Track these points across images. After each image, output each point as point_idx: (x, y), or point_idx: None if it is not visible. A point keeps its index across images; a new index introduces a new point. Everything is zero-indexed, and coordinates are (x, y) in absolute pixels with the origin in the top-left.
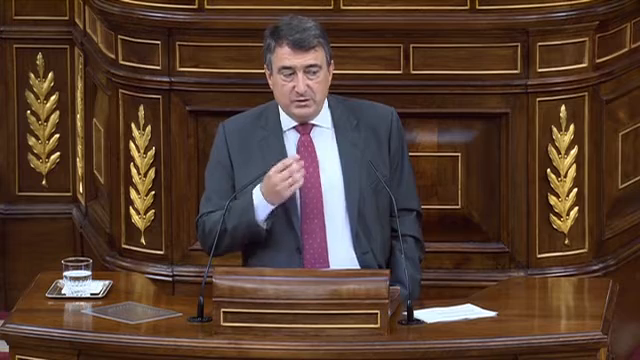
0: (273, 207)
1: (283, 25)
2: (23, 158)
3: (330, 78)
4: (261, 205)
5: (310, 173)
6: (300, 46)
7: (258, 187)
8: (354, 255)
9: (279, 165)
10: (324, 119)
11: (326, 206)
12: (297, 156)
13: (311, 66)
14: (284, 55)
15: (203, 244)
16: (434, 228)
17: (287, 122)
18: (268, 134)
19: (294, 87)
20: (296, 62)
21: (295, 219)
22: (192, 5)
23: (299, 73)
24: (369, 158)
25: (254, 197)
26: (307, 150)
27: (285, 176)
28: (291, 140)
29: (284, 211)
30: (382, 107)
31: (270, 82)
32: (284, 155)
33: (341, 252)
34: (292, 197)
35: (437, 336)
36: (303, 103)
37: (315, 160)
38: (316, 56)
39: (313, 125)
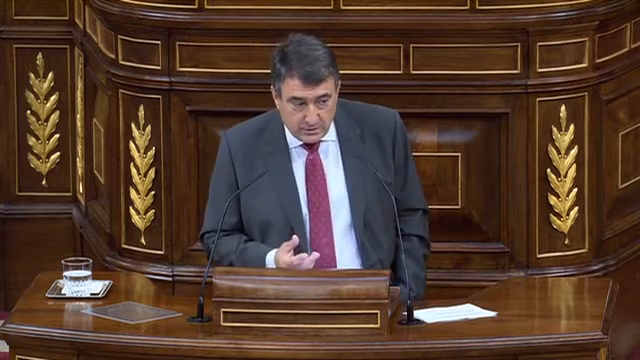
0: None
1: (292, 52)
2: (23, 158)
3: (337, 94)
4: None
5: (319, 192)
6: (311, 80)
7: (272, 255)
8: (360, 267)
9: (295, 261)
10: (329, 133)
11: (334, 222)
12: (317, 255)
13: (322, 96)
14: (295, 87)
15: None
16: (434, 228)
17: (293, 140)
18: (274, 150)
19: (304, 117)
20: (307, 94)
21: (303, 242)
22: (192, 5)
23: (310, 105)
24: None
25: (267, 263)
26: (315, 168)
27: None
28: (298, 159)
29: (293, 233)
30: (384, 111)
31: (277, 103)
32: (291, 176)
33: (348, 265)
34: (300, 220)
35: (437, 336)
36: (312, 131)
37: (323, 178)
38: (327, 86)
39: (320, 141)
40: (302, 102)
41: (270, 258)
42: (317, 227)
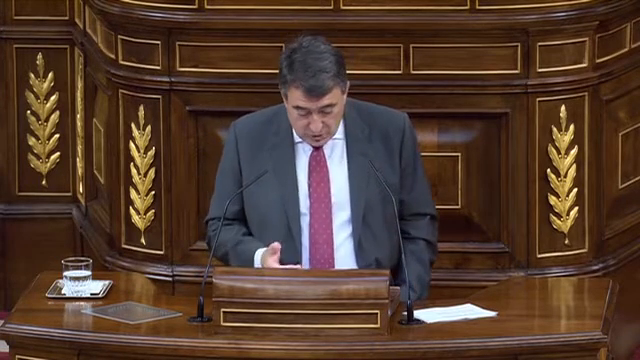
0: None
1: (298, 62)
2: (23, 158)
3: (345, 96)
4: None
5: (321, 188)
6: (314, 93)
7: (260, 252)
8: (356, 267)
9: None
10: (337, 131)
11: (334, 220)
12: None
13: (326, 106)
14: (298, 98)
15: (209, 249)
16: None
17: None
18: (279, 142)
19: (309, 124)
20: (311, 105)
21: (304, 239)
22: (192, 5)
23: (314, 114)
24: (377, 166)
25: (255, 261)
26: (319, 165)
27: None
28: (302, 153)
29: (292, 233)
30: (394, 113)
31: (285, 101)
32: (294, 171)
33: (346, 264)
34: (297, 216)
35: (437, 336)
36: (317, 138)
37: (326, 175)
38: (331, 97)
39: None
40: (307, 111)
41: (258, 255)
42: (317, 223)
